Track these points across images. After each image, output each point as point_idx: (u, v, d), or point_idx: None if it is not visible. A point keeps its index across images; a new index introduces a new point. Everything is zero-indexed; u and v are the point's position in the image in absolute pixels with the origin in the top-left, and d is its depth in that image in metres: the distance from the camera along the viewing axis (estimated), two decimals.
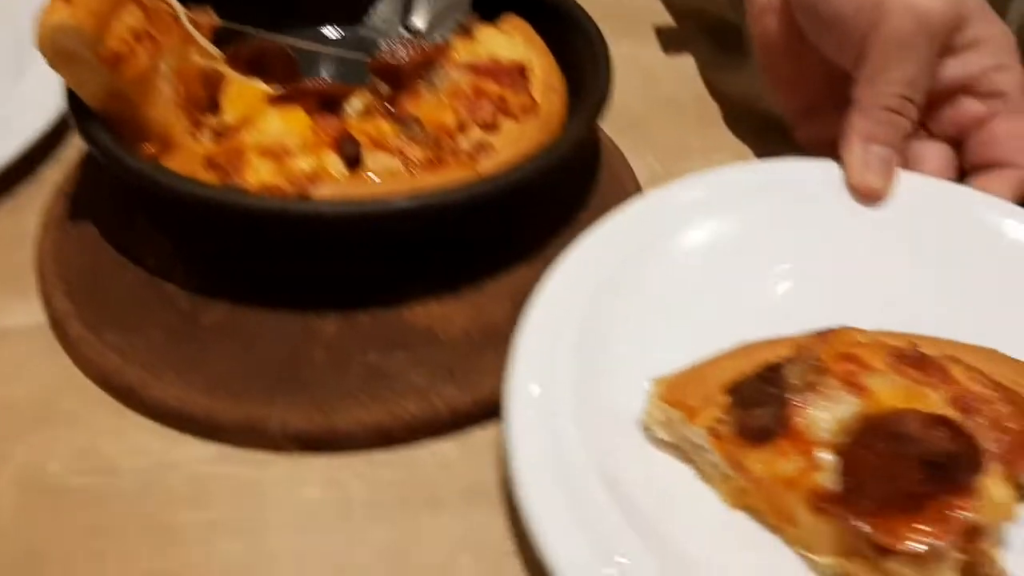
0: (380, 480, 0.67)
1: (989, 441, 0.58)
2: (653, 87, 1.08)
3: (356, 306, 0.75)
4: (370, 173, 0.76)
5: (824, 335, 0.64)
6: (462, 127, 0.80)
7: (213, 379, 0.70)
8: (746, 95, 1.05)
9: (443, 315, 0.75)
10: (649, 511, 0.59)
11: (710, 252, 0.76)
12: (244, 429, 0.67)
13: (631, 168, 0.94)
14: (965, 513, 0.54)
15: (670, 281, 0.74)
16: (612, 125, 0.99)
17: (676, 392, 0.63)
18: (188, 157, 0.78)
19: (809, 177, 0.81)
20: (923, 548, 0.53)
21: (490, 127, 0.80)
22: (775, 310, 0.70)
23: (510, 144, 0.79)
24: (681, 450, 0.64)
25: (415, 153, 0.76)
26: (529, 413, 0.62)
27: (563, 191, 0.89)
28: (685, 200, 0.79)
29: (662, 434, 0.64)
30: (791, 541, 0.59)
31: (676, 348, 0.67)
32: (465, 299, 0.77)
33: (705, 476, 0.63)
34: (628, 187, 0.91)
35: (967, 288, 0.74)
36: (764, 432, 0.59)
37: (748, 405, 0.60)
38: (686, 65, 1.12)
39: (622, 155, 0.95)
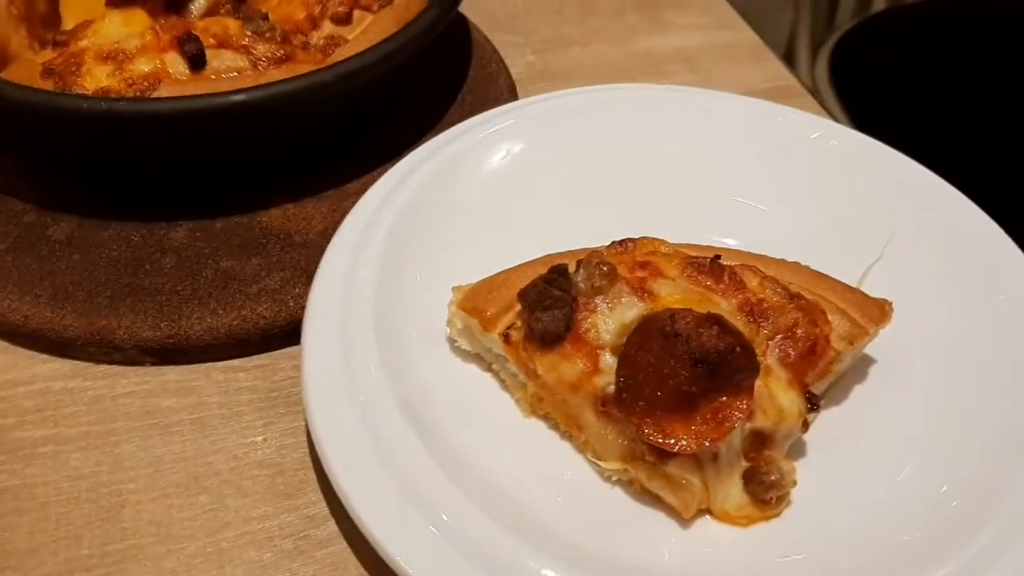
0: (236, 387, 0.66)
1: (775, 348, 0.57)
2: None
3: (210, 214, 0.73)
4: (214, 73, 0.72)
5: (625, 243, 0.63)
6: (314, 22, 0.77)
7: (59, 292, 0.67)
8: None
9: (301, 217, 0.73)
10: (442, 423, 0.58)
11: (527, 171, 0.74)
12: (92, 342, 0.65)
13: (506, 67, 0.91)
14: (739, 412, 0.52)
15: (483, 198, 0.72)
16: (489, 22, 0.97)
17: (475, 300, 0.61)
18: (26, 68, 0.74)
19: (626, 99, 0.79)
20: (693, 447, 0.52)
21: (343, 20, 0.77)
22: (590, 226, 0.66)
23: (363, 37, 0.76)
24: (484, 360, 0.63)
25: (263, 50, 0.73)
26: (327, 331, 0.60)
27: (433, 91, 0.87)
28: (502, 124, 0.76)
29: (464, 344, 0.63)
30: (582, 448, 0.59)
31: (488, 262, 0.65)
32: (325, 200, 0.75)
33: (505, 385, 0.62)
34: (501, 86, 0.88)
35: (778, 204, 0.74)
36: (550, 336, 0.57)
37: (535, 308, 0.58)
38: None
39: (497, 53, 0.92)
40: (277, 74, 0.71)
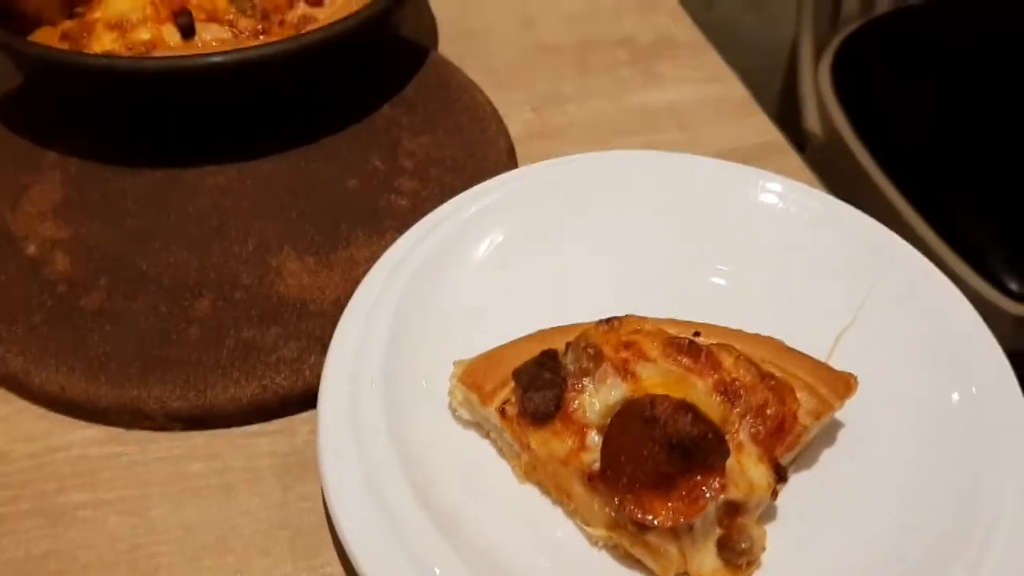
0: (258, 451, 0.72)
1: (747, 425, 0.62)
2: (531, 33, 1.10)
3: (230, 280, 0.80)
4: (202, 42, 0.88)
5: (611, 322, 0.68)
6: (291, 2, 0.94)
7: (92, 363, 0.73)
8: (630, 36, 1.09)
9: (315, 287, 0.79)
10: (443, 486, 0.64)
11: (523, 244, 0.80)
12: (125, 411, 0.71)
13: (505, 128, 0.96)
14: (712, 491, 0.58)
15: (481, 272, 0.78)
16: (491, 78, 1.02)
17: (474, 374, 0.67)
18: (47, 34, 0.91)
19: (613, 168, 0.85)
20: (669, 523, 0.58)
21: (316, 2, 0.94)
22: (581, 299, 0.74)
23: (334, 16, 0.90)
24: (482, 428, 0.69)
25: (244, 25, 0.90)
26: (339, 403, 0.66)
27: (437, 155, 0.92)
28: (502, 194, 0.82)
29: (464, 413, 0.69)
30: (571, 514, 0.65)
31: (488, 333, 0.71)
32: (337, 268, 0.81)
33: (502, 452, 0.68)
34: (501, 151, 0.93)
35: (755, 272, 0.79)
36: (541, 414, 0.63)
37: (527, 389, 0.64)
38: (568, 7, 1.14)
39: (496, 113, 0.97)
40: (254, 44, 0.86)
